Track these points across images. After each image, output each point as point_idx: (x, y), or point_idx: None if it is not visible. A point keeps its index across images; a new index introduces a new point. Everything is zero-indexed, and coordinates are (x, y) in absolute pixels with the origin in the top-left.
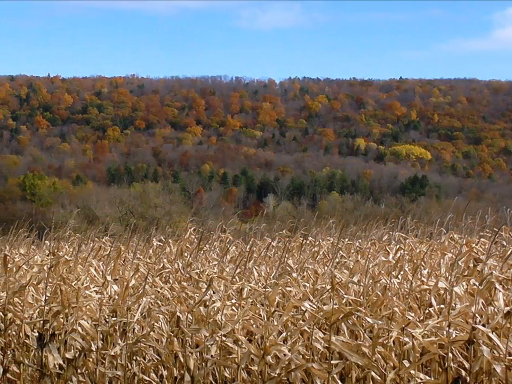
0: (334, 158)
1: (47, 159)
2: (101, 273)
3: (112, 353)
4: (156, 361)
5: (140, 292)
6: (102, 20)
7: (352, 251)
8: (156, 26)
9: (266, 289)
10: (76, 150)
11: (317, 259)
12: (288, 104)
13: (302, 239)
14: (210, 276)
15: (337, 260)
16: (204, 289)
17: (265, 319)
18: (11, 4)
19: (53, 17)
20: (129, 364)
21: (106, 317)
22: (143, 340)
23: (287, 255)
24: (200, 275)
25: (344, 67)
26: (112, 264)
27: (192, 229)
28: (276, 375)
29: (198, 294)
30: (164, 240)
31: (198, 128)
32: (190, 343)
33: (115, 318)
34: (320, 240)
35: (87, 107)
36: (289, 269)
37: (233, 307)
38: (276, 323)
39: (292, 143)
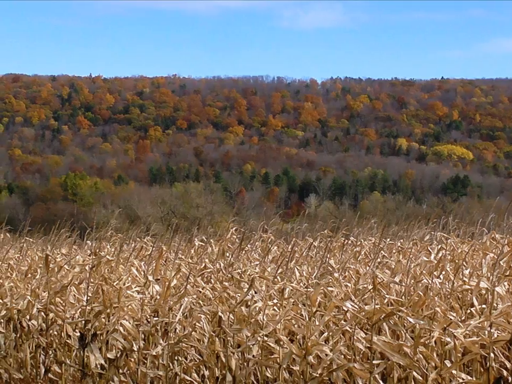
0: (375, 158)
1: (89, 159)
2: (142, 273)
3: (154, 353)
4: (198, 361)
5: (182, 292)
6: (144, 19)
7: (394, 251)
8: (197, 26)
9: (308, 289)
10: (117, 150)
11: (358, 259)
12: (330, 104)
13: (343, 239)
14: (252, 276)
15: (378, 259)
16: (246, 289)
17: (307, 319)
18: (53, 4)
19: (95, 16)
20: (170, 364)
21: (148, 317)
22: (185, 340)
23: (328, 255)
24: (242, 275)
25: (386, 67)
26: (154, 264)
27: (234, 229)
28: (318, 375)
29: (239, 294)
30: (205, 240)
31: (240, 128)
32: (232, 343)
33: (157, 318)
34: (362, 240)
35: (129, 107)
36: (331, 269)
37: (274, 307)
38: (317, 323)
39: (334, 143)
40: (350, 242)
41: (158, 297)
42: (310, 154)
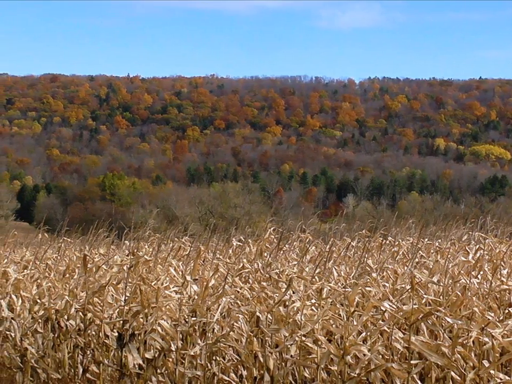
0: (413, 158)
1: (127, 159)
2: (180, 273)
3: (192, 353)
4: (236, 361)
5: (220, 292)
6: (182, 19)
7: (432, 251)
8: (235, 26)
9: (346, 289)
10: (155, 150)
11: (396, 259)
12: (368, 104)
13: (381, 239)
14: (289, 276)
15: (416, 259)
16: (284, 289)
17: (345, 319)
18: (92, 4)
19: (133, 16)
20: (208, 364)
21: (186, 317)
22: (223, 340)
23: (366, 255)
24: (280, 275)
25: (423, 67)
26: (192, 264)
27: (272, 228)
28: (356, 375)
29: (277, 294)
30: (243, 240)
31: (278, 128)
32: (270, 343)
33: (195, 318)
34: (400, 240)
35: (167, 107)
36: (369, 269)
37: (312, 307)
38: (355, 323)
39: (372, 143)
40: (388, 242)
41: (196, 297)
42: (348, 154)
